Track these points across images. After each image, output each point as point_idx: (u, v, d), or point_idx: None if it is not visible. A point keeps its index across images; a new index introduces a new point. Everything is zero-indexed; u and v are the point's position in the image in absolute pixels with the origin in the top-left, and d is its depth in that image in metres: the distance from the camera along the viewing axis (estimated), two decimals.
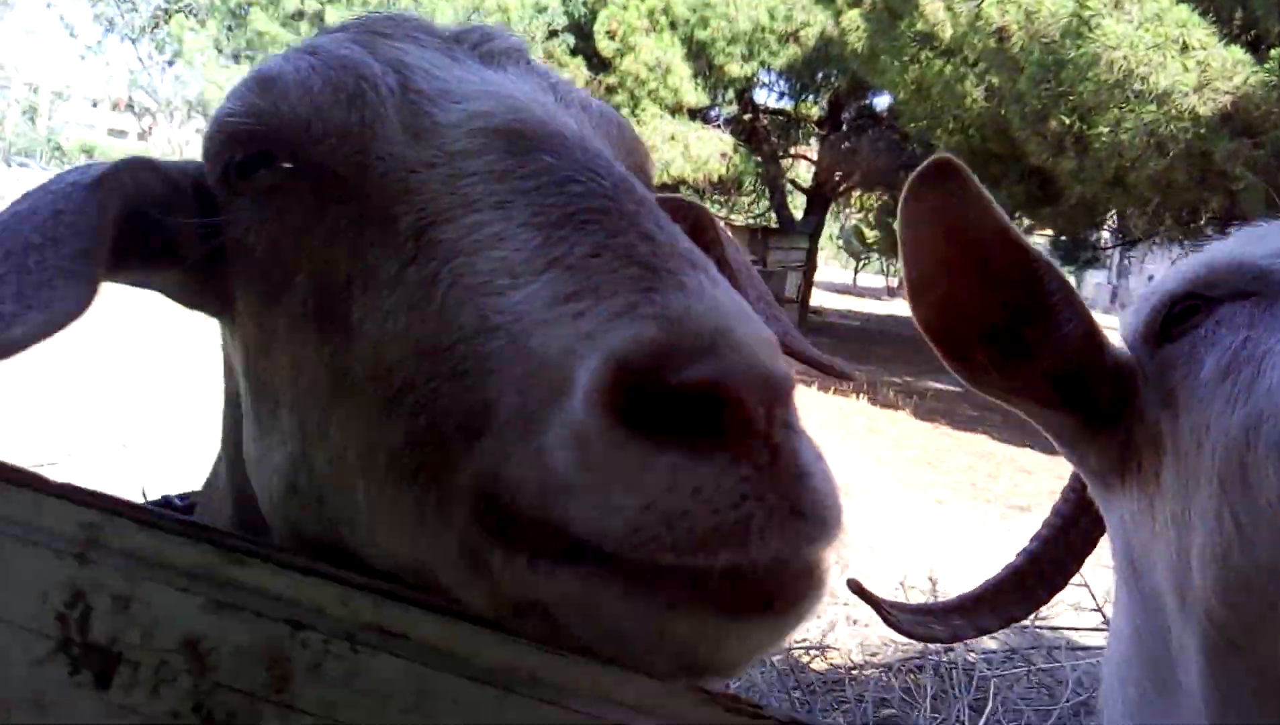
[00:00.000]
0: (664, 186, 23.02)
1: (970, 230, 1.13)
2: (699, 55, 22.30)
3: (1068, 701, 4.29)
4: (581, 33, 23.65)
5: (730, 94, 24.25)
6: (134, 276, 0.92)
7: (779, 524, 0.54)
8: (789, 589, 0.57)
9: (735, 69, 22.15)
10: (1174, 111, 10.41)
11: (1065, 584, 1.30)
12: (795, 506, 0.54)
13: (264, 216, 0.84)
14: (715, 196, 24.74)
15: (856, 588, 1.25)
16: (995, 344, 1.17)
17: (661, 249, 0.65)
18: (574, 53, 23.67)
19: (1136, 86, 10.53)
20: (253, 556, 0.73)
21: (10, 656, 0.73)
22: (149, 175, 0.90)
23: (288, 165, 0.83)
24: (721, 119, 24.56)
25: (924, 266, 1.15)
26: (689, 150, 21.66)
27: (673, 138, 21.94)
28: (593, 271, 0.63)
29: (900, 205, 1.14)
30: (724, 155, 22.50)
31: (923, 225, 1.13)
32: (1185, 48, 10.16)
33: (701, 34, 21.56)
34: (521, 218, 0.70)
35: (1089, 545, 1.31)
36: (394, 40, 0.90)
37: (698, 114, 23.50)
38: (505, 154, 0.75)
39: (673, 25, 21.71)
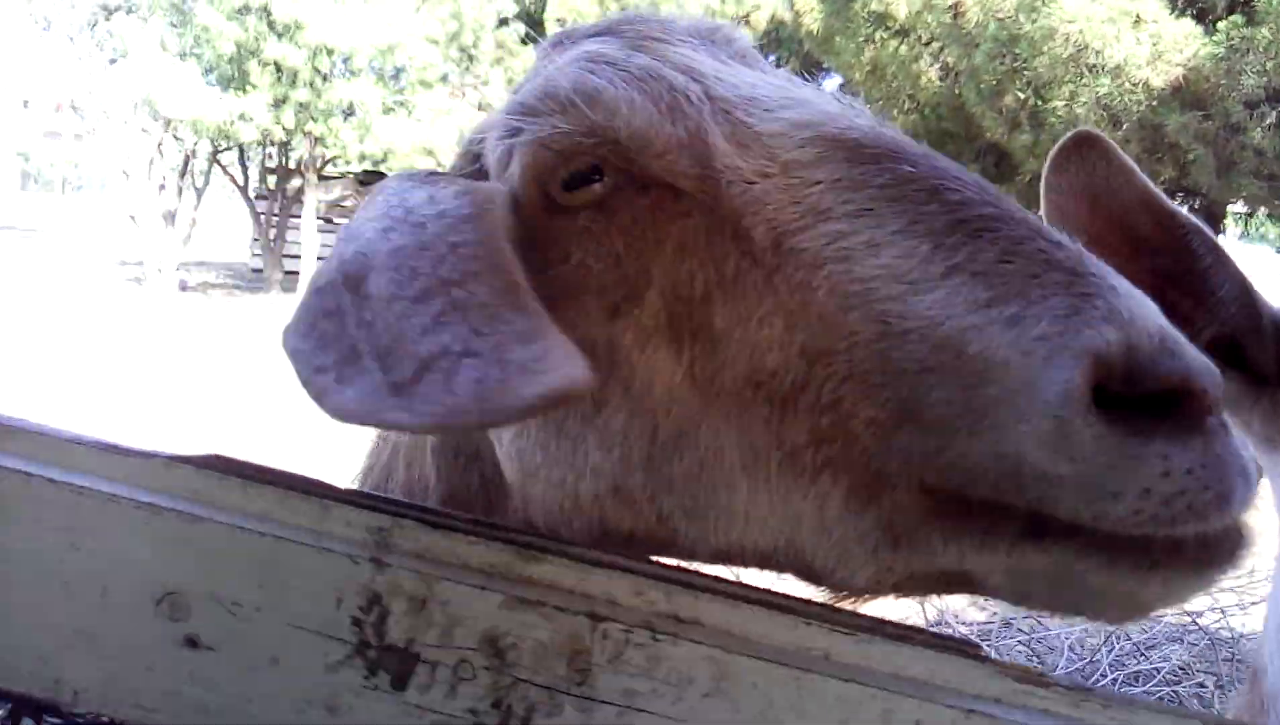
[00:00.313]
0: None
1: (1115, 201, 1.16)
2: None
3: (1061, 669, 4.41)
4: (532, 21, 23.48)
5: None
6: None
7: (1234, 495, 0.63)
8: (1238, 547, 0.68)
9: None
10: (1127, 84, 10.65)
11: None
12: (1244, 478, 0.64)
13: (601, 231, 0.83)
14: None
15: None
16: None
17: (1070, 252, 0.72)
18: (525, 41, 23.49)
19: (1091, 60, 10.76)
20: (546, 552, 0.76)
21: (304, 662, 0.76)
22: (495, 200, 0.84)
23: (619, 179, 0.84)
24: None
25: None
26: None
27: None
28: (1008, 277, 0.70)
29: (1043, 181, 1.18)
30: None
31: (1066, 199, 1.17)
32: (1138, 20, 10.39)
33: None
34: (895, 226, 0.75)
35: None
36: (670, 45, 0.91)
37: None
38: (849, 163, 0.79)
39: (622, 11, 21.63)
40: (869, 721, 0.71)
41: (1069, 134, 1.15)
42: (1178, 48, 10.30)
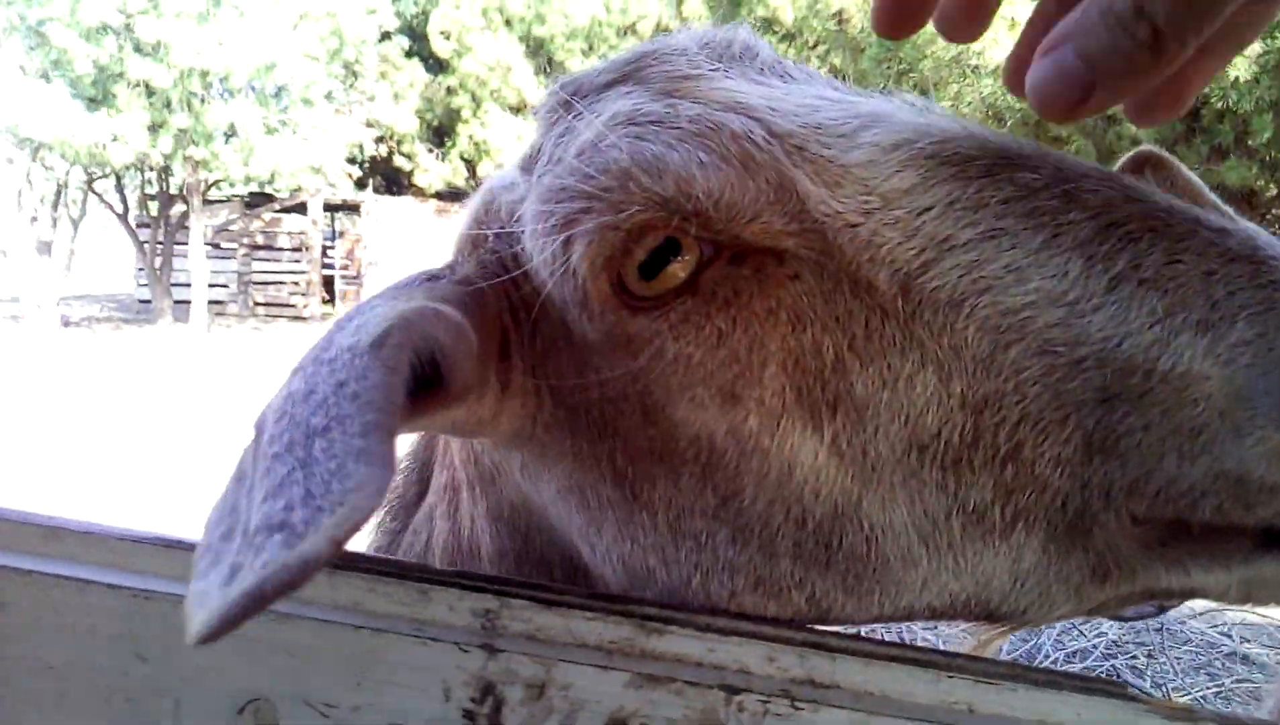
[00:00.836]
0: None
1: None
2: (538, 52, 22.20)
3: (1005, 650, 4.54)
4: (415, 34, 23.14)
5: None
6: (425, 424, 0.80)
7: None
8: None
9: (576, 64, 22.14)
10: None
11: None
12: None
13: (698, 315, 0.73)
14: None
15: None
16: None
17: (1241, 237, 0.66)
18: (409, 55, 23.14)
19: (973, 61, 11.20)
20: (670, 623, 0.71)
21: None
22: (437, 320, 0.71)
23: (704, 254, 0.74)
24: None
25: None
26: None
27: (520, 137, 21.77)
28: (1183, 279, 0.64)
29: None
30: None
31: None
32: (1013, 24, 10.84)
33: (539, 30, 21.45)
34: (1034, 243, 0.67)
35: None
36: (703, 79, 0.81)
37: None
38: (959, 181, 0.70)
39: (508, 23, 21.52)
40: None
41: (1131, 153, 1.12)
42: None
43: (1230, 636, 4.86)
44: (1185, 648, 4.68)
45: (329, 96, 20.68)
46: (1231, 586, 0.69)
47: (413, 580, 0.71)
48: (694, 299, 0.74)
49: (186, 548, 0.71)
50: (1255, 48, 10.90)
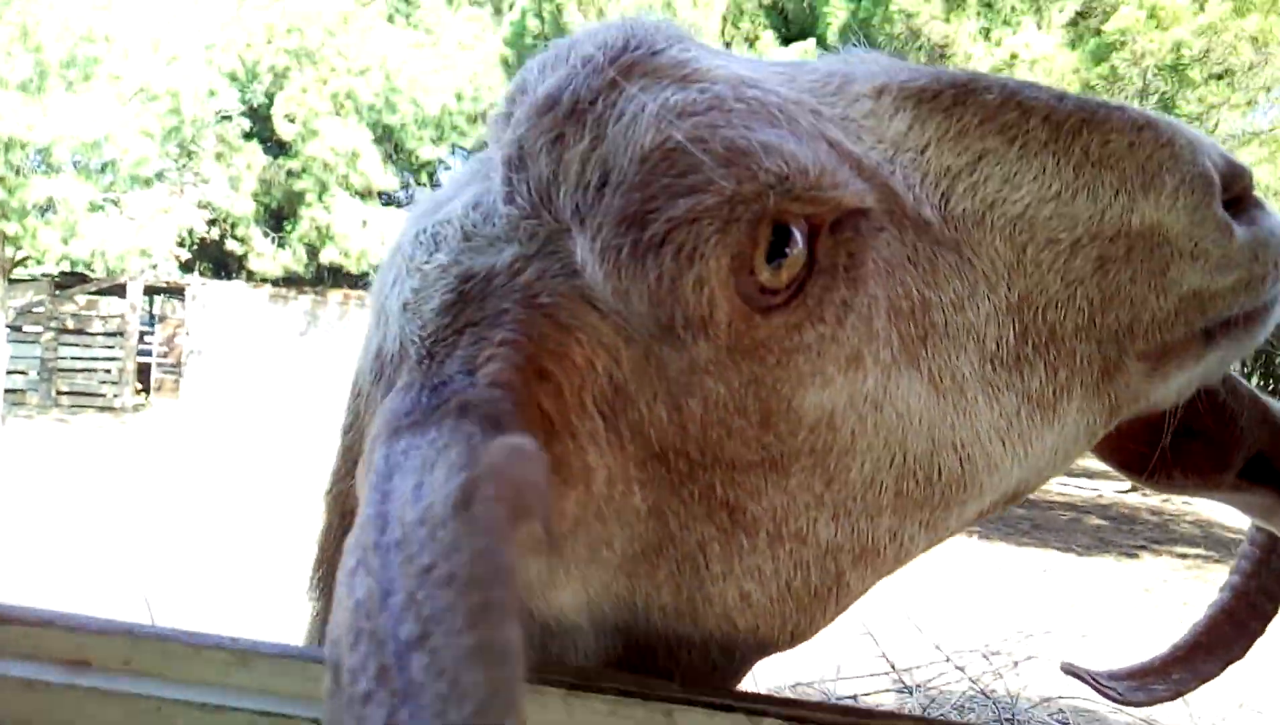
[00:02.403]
0: (362, 275, 22.29)
1: None
2: (387, 138, 22.06)
3: None
4: (256, 116, 22.55)
5: (424, 176, 24.14)
6: None
7: None
8: None
9: (426, 152, 22.13)
10: None
11: (1275, 614, 1.31)
12: None
13: (829, 289, 0.70)
14: None
15: (1070, 670, 1.29)
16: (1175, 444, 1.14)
17: (1135, 110, 0.85)
18: (249, 136, 22.50)
19: None
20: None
21: None
22: (519, 457, 0.57)
23: (809, 230, 0.70)
24: (412, 202, 24.31)
25: None
26: (385, 237, 21.23)
27: (365, 224, 21.42)
28: (1119, 155, 0.82)
29: None
30: None
31: None
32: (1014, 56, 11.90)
33: (390, 119, 21.35)
34: (1014, 155, 0.79)
35: None
36: (704, 64, 0.75)
37: (389, 198, 23.15)
38: (938, 113, 0.80)
39: (358, 111, 21.33)
40: None
41: None
42: None
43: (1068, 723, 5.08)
44: None
45: (160, 176, 19.75)
46: (1183, 388, 0.88)
47: (657, 700, 0.63)
48: (819, 277, 0.70)
49: None
50: None
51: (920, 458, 0.74)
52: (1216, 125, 11.70)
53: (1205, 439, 1.17)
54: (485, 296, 0.70)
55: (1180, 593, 9.53)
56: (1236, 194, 0.86)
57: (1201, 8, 11.10)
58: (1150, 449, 1.13)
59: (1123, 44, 11.11)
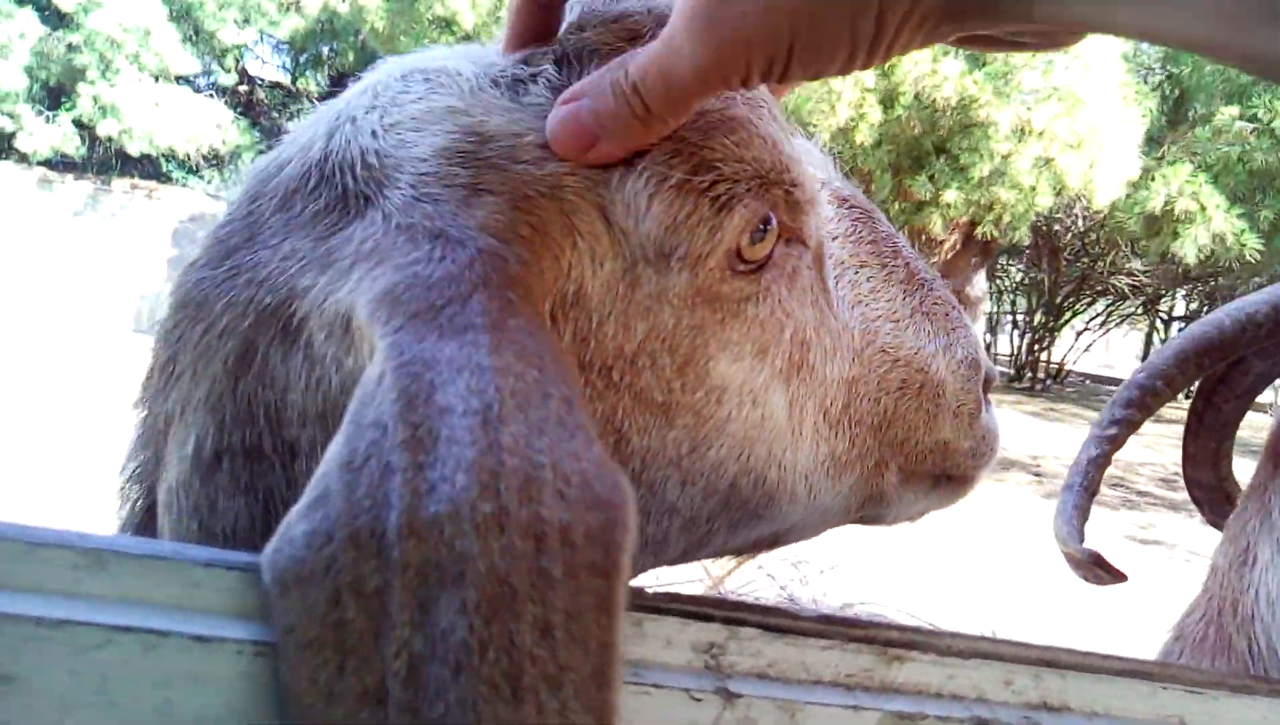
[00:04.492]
0: (148, 157, 20.38)
1: None
2: (184, 16, 20.11)
3: None
4: None
5: (229, 61, 22.16)
6: None
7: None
8: None
9: (229, 35, 20.35)
10: None
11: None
12: None
13: (775, 282, 0.80)
14: (209, 170, 22.36)
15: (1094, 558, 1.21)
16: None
17: (946, 293, 1.05)
18: (22, 2, 19.90)
19: None
20: (911, 648, 0.59)
21: None
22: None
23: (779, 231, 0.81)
24: (214, 88, 22.35)
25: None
26: (178, 120, 19.47)
27: (157, 105, 19.55)
28: (936, 316, 1.01)
29: None
30: (219, 126, 20.57)
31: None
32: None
33: None
34: (882, 276, 1.00)
35: None
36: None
37: (187, 81, 21.19)
38: (849, 220, 1.01)
39: None
40: None
41: None
42: None
43: None
44: None
45: None
46: (917, 510, 1.04)
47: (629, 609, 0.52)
48: (771, 269, 0.80)
49: None
50: (876, 116, 12.50)
51: (758, 463, 0.82)
52: (1019, 84, 12.35)
53: None
54: (504, 168, 0.68)
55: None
56: (982, 387, 1.05)
57: None
58: None
59: None
